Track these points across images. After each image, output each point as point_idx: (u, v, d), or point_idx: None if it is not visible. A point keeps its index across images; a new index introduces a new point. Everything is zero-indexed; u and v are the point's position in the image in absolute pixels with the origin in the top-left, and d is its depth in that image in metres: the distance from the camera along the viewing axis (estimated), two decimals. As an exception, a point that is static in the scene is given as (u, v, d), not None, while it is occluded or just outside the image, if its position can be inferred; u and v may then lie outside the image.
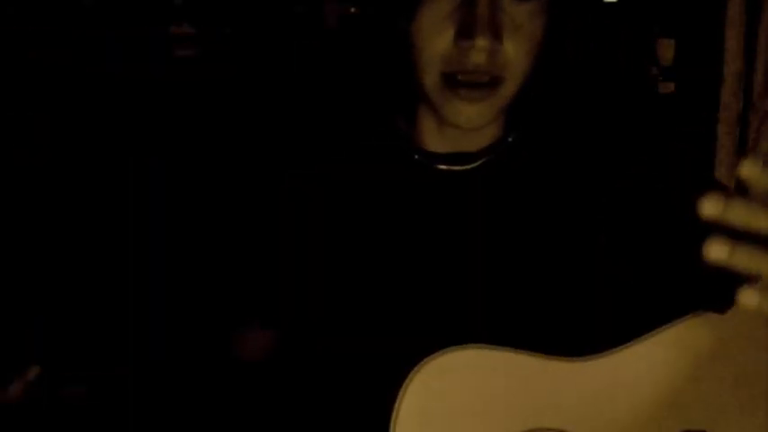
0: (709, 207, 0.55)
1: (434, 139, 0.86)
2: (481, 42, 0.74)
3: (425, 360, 0.77)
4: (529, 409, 0.80)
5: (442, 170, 0.86)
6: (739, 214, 0.55)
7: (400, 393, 0.77)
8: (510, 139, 0.86)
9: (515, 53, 0.76)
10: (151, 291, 1.58)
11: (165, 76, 2.06)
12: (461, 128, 0.79)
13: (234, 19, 2.11)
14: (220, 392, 0.93)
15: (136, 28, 2.07)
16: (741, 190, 0.57)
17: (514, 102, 0.80)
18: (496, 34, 0.74)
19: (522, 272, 0.85)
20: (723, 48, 1.75)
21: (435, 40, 0.76)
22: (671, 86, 1.95)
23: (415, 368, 0.77)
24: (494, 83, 0.77)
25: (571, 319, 0.84)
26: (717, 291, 0.83)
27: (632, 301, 0.85)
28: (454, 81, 0.76)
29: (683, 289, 0.85)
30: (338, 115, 0.92)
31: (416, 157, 0.86)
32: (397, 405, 0.77)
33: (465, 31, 0.74)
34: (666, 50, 1.94)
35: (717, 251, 0.55)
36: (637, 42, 1.94)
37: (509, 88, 0.78)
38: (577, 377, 0.81)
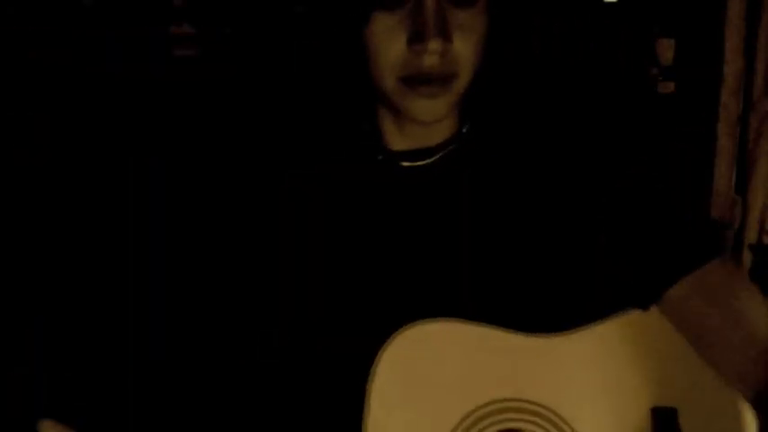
0: None
1: (396, 138, 0.92)
2: (433, 45, 0.79)
3: (399, 330, 0.82)
4: (500, 380, 0.84)
5: (405, 167, 0.91)
6: None
7: (376, 360, 0.81)
8: (464, 130, 0.91)
9: (465, 50, 0.82)
10: (151, 290, 1.58)
11: (165, 76, 2.06)
12: (421, 122, 0.85)
13: (234, 19, 2.11)
14: (219, 391, 0.94)
15: (136, 28, 2.07)
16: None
17: (467, 94, 0.85)
18: (446, 36, 0.80)
19: (488, 255, 0.89)
20: (723, 48, 1.75)
21: (390, 47, 0.81)
22: (671, 86, 1.95)
23: (389, 339, 0.82)
24: (448, 78, 0.82)
25: (536, 299, 0.88)
26: (643, 289, 0.86)
27: (592, 283, 0.89)
28: (411, 80, 0.82)
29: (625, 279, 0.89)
30: (305, 120, 0.96)
31: (380, 157, 0.91)
32: (371, 374, 0.81)
33: (417, 37, 0.79)
34: (666, 50, 1.94)
35: None
36: (637, 42, 1.94)
37: (462, 82, 0.84)
38: (548, 352, 0.85)
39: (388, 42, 0.81)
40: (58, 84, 1.97)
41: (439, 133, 0.91)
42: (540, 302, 0.89)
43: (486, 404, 0.83)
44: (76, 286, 1.78)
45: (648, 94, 1.94)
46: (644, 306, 0.87)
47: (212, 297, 0.94)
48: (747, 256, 1.80)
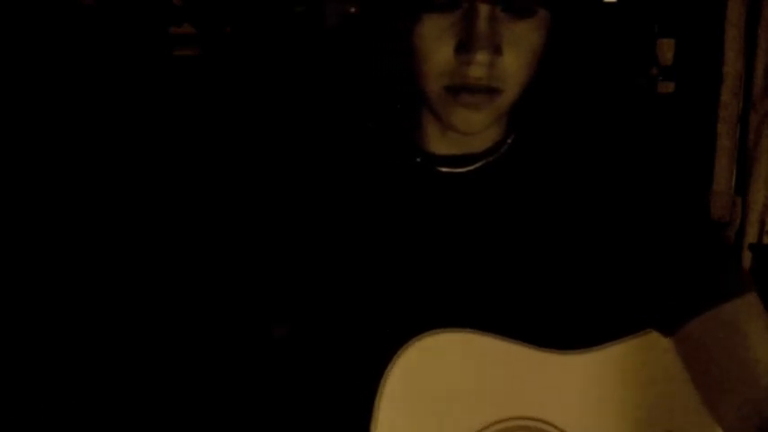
0: None
1: (438, 142, 0.88)
2: (480, 57, 0.75)
3: (413, 339, 0.79)
4: (514, 396, 0.81)
5: (443, 172, 0.87)
6: None
7: (387, 370, 0.79)
8: (509, 140, 0.88)
9: (514, 65, 0.77)
10: (148, 290, 1.58)
11: (165, 76, 2.06)
12: (460, 133, 0.81)
13: (234, 19, 2.11)
14: (226, 387, 0.94)
15: (136, 28, 2.07)
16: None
17: (515, 105, 0.82)
18: (496, 49, 0.76)
19: (519, 267, 0.86)
20: (723, 48, 1.75)
21: (436, 52, 0.77)
22: (671, 86, 1.95)
23: (404, 347, 0.79)
24: (492, 91, 0.78)
25: (563, 315, 0.86)
26: (665, 312, 0.83)
27: (620, 301, 0.86)
28: (455, 89, 0.78)
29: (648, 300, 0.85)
30: (340, 118, 0.93)
31: (419, 159, 0.88)
32: (383, 381, 0.79)
33: (465, 46, 0.75)
34: (666, 50, 1.94)
35: None
36: (637, 42, 1.94)
37: (507, 97, 0.79)
38: (564, 370, 0.82)
39: (436, 47, 0.77)
40: (59, 84, 1.97)
41: (482, 141, 0.87)
42: (565, 317, 0.86)
43: (499, 421, 0.81)
44: (76, 286, 1.78)
45: (648, 94, 1.95)
46: (664, 332, 0.84)
47: (234, 293, 0.93)
48: (747, 256, 1.80)
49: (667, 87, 1.95)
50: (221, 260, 0.93)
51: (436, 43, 0.77)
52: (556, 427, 0.82)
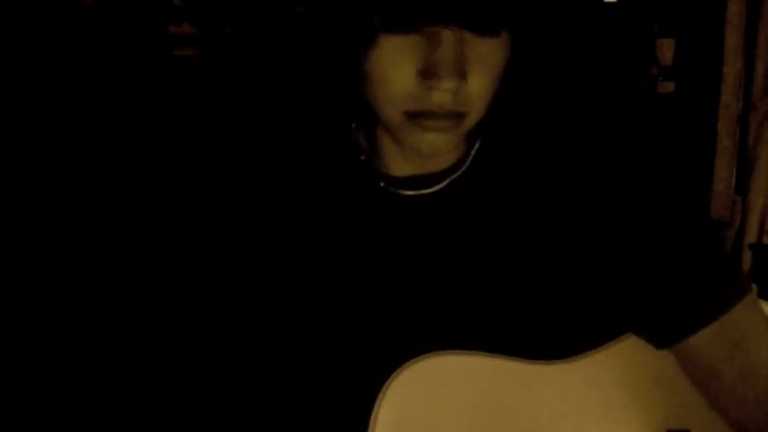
0: None
1: (398, 164, 0.84)
2: (447, 84, 0.70)
3: (404, 366, 0.77)
4: (509, 413, 0.80)
5: (408, 195, 0.83)
6: None
7: (378, 400, 0.76)
8: (474, 152, 0.84)
9: (479, 87, 0.73)
10: (147, 290, 1.58)
11: (165, 76, 2.06)
12: (427, 155, 0.77)
13: (234, 19, 2.11)
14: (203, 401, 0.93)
15: (136, 28, 2.07)
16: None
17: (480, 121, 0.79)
18: (462, 74, 0.71)
19: (502, 282, 0.82)
20: (723, 48, 1.75)
21: (396, 76, 0.72)
22: (671, 86, 1.95)
23: (393, 374, 0.76)
24: (457, 116, 0.74)
25: (551, 328, 0.82)
26: (657, 322, 0.80)
27: (609, 311, 0.83)
28: (418, 115, 0.74)
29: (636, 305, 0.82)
30: (300, 144, 0.89)
31: (382, 184, 0.83)
32: (374, 412, 0.76)
33: (430, 72, 0.70)
34: (666, 50, 1.94)
35: None
36: (637, 42, 1.95)
37: (472, 119, 0.76)
38: (553, 380, 0.81)
39: (395, 72, 0.71)
40: (59, 84, 1.97)
41: (445, 158, 0.83)
42: (553, 330, 0.83)
43: None
44: (73, 286, 1.78)
45: (648, 94, 1.95)
46: (658, 345, 0.82)
47: (194, 319, 0.91)
48: (747, 256, 1.80)
49: (667, 87, 1.95)
50: (214, 263, 0.91)
51: (396, 68, 0.72)
52: None
